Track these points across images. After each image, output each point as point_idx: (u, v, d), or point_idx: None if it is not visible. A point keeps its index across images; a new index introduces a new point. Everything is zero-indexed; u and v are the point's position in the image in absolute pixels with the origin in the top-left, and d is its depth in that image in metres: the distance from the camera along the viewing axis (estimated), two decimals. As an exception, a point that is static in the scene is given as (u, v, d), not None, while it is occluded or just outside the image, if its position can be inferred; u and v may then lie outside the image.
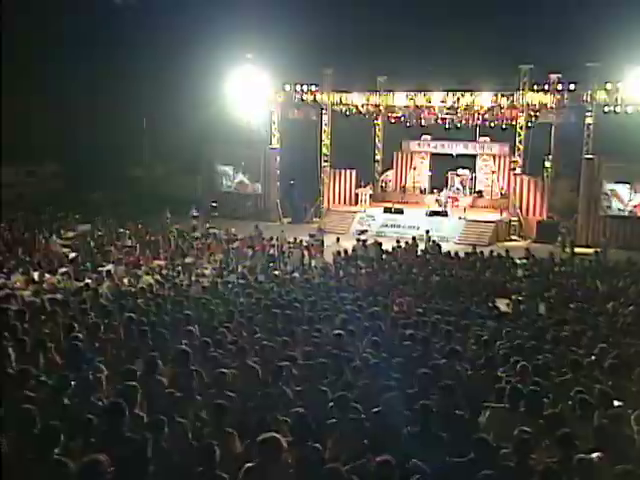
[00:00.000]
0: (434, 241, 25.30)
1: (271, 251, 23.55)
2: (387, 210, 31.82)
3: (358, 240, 24.24)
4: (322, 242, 24.73)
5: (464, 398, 6.83)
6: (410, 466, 4.76)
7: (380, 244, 23.77)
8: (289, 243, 24.28)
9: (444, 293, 16.58)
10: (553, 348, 9.77)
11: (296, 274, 19.19)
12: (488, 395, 7.08)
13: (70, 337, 7.98)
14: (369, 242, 24.13)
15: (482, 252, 22.70)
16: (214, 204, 33.66)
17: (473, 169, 34.78)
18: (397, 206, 32.25)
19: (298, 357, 8.11)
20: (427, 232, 25.79)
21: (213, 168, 35.97)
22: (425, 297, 15.69)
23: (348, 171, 34.74)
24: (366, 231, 28.59)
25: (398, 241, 24.37)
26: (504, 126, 32.36)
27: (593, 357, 8.84)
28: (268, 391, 6.50)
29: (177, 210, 30.81)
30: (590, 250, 25.43)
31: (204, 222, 29.57)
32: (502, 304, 15.91)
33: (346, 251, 22.56)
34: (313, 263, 21.89)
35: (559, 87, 28.87)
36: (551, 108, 29.77)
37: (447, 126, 33.36)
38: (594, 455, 5.03)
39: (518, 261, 20.96)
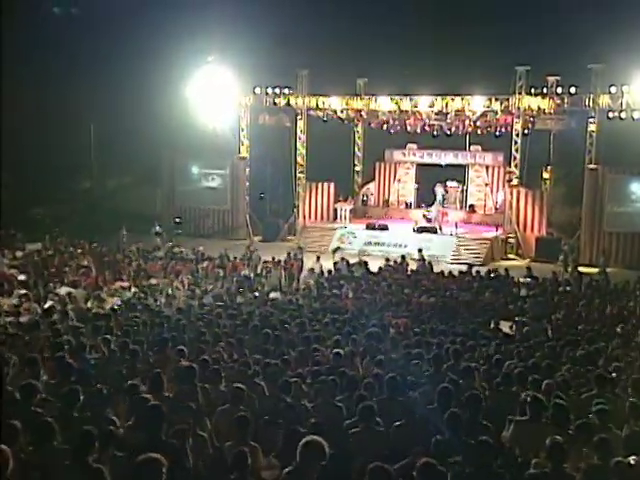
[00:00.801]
0: (425, 259, 26.01)
1: (245, 271, 24.07)
2: (370, 226, 32.57)
3: (342, 259, 24.87)
4: (302, 261, 25.33)
5: (486, 414, 7.46)
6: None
7: (366, 263, 24.46)
8: (265, 262, 24.84)
9: (441, 315, 17.26)
10: (570, 368, 10.49)
11: (276, 295, 19.78)
12: (509, 412, 7.72)
13: (59, 356, 8.43)
14: (353, 261, 24.80)
15: (479, 272, 23.51)
16: (178, 220, 34.02)
17: (464, 181, 35.75)
18: (381, 222, 33.03)
19: (305, 375, 8.68)
20: (420, 251, 26.49)
21: (176, 177, 36.44)
22: (421, 319, 16.33)
23: (326, 183, 35.44)
24: (339, 248, 29.07)
25: (388, 259, 25.10)
26: (498, 133, 33.39)
27: (613, 374, 9.56)
28: (289, 404, 7.05)
29: (134, 227, 31.14)
30: (594, 270, 26.37)
31: (167, 240, 29.93)
32: (505, 326, 16.62)
33: (330, 271, 23.21)
34: (294, 284, 22.52)
35: (558, 91, 29.97)
36: (550, 113, 30.93)
37: (435, 133, 34.24)
38: (631, 459, 5.67)
39: (522, 280, 21.80)
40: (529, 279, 22.04)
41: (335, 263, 24.78)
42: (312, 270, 23.64)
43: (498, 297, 20.12)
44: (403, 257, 25.73)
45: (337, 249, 28.82)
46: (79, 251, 26.02)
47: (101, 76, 35.73)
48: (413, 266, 25.17)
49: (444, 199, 34.44)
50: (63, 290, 18.01)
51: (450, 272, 23.75)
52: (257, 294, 19.69)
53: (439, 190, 34.50)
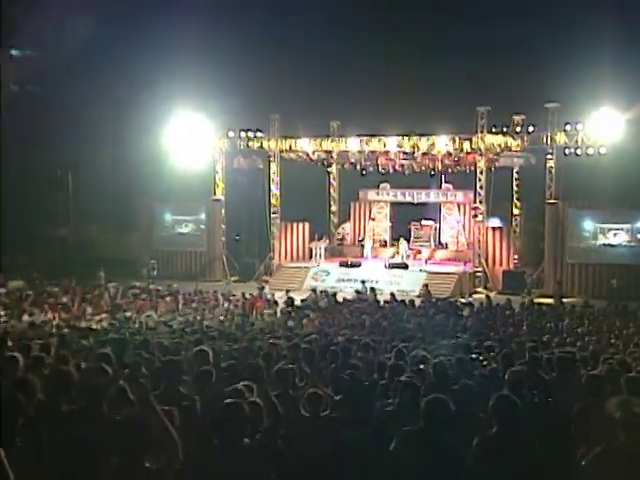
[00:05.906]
0: (392, 294, 30.16)
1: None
2: (343, 264, 36.81)
3: (314, 291, 29.29)
4: (262, 295, 29.74)
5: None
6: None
7: (335, 294, 28.79)
8: (234, 296, 29.18)
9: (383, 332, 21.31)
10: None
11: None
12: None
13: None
14: (319, 294, 29.18)
15: (437, 299, 27.73)
16: (153, 262, 38.00)
17: (438, 219, 40.10)
18: (353, 260, 37.28)
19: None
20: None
21: (154, 223, 40.80)
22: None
23: (300, 224, 39.88)
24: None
25: (358, 291, 29.37)
26: (467, 171, 37.60)
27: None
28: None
29: (112, 270, 35.29)
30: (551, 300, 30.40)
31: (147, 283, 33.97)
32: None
33: (292, 300, 27.51)
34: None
35: (518, 129, 34.39)
36: (516, 151, 35.39)
37: (406, 173, 38.55)
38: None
39: (463, 300, 25.99)
40: (470, 299, 26.27)
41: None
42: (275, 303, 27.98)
43: (449, 320, 24.21)
44: (372, 289, 30.00)
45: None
46: (56, 289, 30.22)
47: (78, 125, 40.31)
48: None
49: (427, 238, 38.77)
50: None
51: (411, 301, 27.87)
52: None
53: (419, 230, 39.00)
